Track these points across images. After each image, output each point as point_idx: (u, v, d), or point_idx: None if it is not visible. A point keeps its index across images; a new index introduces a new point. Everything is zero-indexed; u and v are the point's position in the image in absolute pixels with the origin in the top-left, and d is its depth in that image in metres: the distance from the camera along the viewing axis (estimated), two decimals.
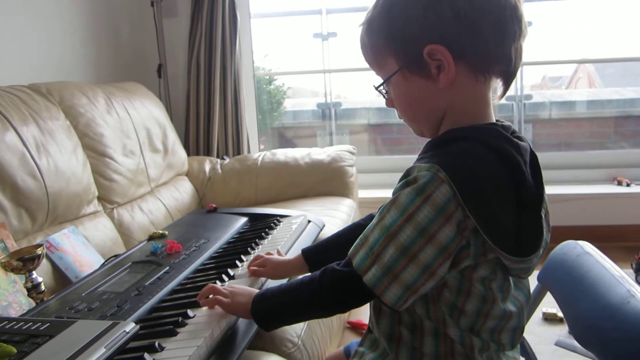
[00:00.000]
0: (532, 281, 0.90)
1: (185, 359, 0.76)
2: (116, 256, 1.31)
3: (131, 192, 1.82)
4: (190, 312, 0.92)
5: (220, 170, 2.33)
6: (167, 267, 1.17)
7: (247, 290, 0.90)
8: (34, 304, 1.09)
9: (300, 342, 1.07)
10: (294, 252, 1.28)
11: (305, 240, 1.40)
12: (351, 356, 0.87)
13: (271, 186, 2.24)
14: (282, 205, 2.08)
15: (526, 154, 0.72)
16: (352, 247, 0.74)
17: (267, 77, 3.23)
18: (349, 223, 1.88)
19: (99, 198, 1.68)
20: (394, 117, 0.82)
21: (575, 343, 0.85)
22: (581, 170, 2.79)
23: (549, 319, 1.83)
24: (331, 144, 2.96)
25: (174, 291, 1.08)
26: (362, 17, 0.79)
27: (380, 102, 0.82)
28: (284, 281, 1.05)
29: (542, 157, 0.73)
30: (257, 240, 1.36)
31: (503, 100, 2.59)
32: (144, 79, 2.48)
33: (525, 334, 0.86)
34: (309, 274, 0.82)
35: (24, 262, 1.06)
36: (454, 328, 0.74)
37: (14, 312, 1.11)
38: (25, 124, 1.43)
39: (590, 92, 3.15)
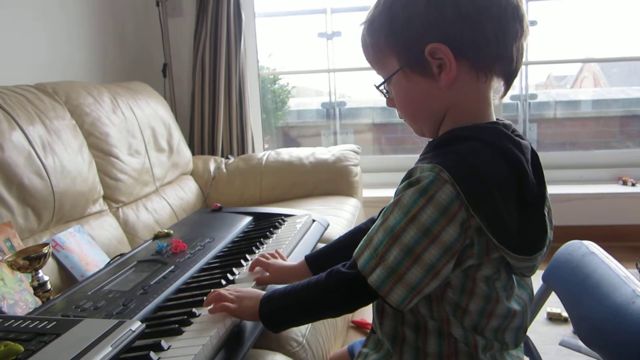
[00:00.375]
0: (537, 281, 0.90)
1: (191, 358, 0.76)
2: (122, 255, 1.32)
3: (136, 192, 1.83)
4: (195, 311, 0.92)
5: (224, 170, 2.33)
6: (173, 266, 1.18)
7: (253, 293, 0.88)
8: (40, 303, 1.09)
9: (305, 341, 1.08)
10: (299, 252, 1.28)
11: (310, 240, 1.40)
12: (355, 357, 0.87)
13: (276, 185, 2.24)
14: (286, 204, 2.08)
15: (528, 153, 0.72)
16: (357, 249, 0.74)
17: (272, 76, 3.23)
18: (354, 222, 1.89)
19: (105, 197, 1.69)
20: (398, 116, 0.82)
21: (580, 343, 0.85)
22: (586, 170, 2.77)
23: (553, 318, 1.83)
24: (335, 144, 2.95)
25: (179, 290, 1.08)
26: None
27: (385, 101, 0.82)
28: None
29: (547, 157, 0.74)
30: (261, 239, 1.36)
31: (508, 100, 2.61)
32: (149, 78, 2.49)
33: (529, 334, 0.86)
34: (314, 276, 0.82)
35: (30, 260, 1.06)
36: (458, 327, 0.74)
37: (21, 311, 1.12)
38: (32, 124, 1.43)
39: (595, 92, 3.13)
